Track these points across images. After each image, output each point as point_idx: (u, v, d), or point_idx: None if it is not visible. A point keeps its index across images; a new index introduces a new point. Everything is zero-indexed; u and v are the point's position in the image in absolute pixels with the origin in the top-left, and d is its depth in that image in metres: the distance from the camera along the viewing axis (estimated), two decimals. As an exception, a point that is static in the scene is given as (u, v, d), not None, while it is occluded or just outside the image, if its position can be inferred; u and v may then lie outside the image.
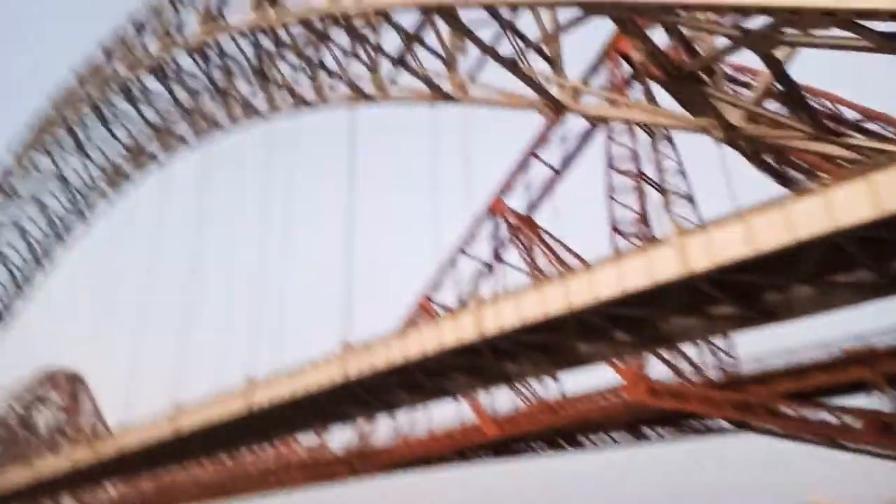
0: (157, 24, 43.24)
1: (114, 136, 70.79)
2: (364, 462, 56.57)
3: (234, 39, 37.66)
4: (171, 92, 59.71)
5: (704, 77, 19.41)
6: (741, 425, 39.41)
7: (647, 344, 22.81)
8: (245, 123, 51.84)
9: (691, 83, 19.28)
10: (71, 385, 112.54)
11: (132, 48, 52.40)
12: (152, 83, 63.13)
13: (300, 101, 38.03)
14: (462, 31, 23.98)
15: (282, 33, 34.14)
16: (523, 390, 49.18)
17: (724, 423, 40.83)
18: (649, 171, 41.33)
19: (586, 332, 22.63)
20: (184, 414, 34.43)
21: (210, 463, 73.62)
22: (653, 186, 41.12)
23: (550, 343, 24.19)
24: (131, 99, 64.90)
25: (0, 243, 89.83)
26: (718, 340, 42.40)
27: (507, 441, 48.79)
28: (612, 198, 40.17)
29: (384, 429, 58.25)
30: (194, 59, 46.46)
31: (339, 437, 60.94)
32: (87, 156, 76.42)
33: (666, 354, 37.63)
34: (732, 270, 17.44)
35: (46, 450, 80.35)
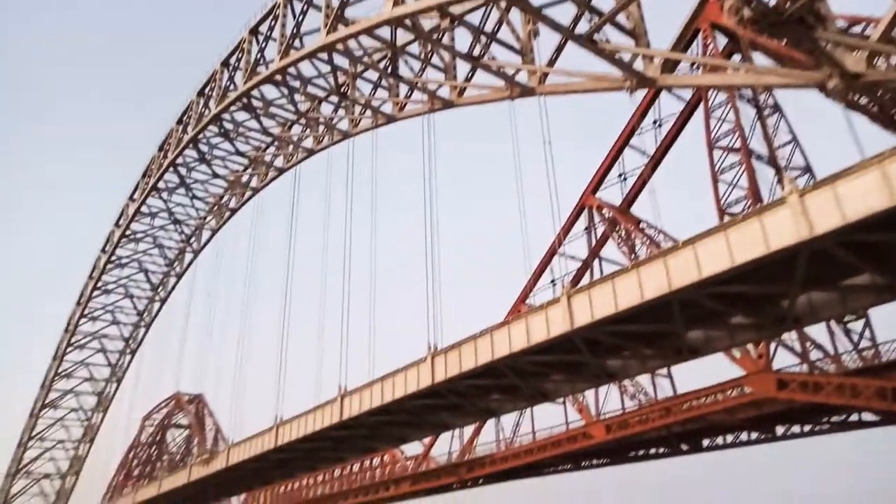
0: (243, 61, 44.39)
1: (214, 172, 74.59)
2: (470, 470, 55.14)
3: (312, 63, 37.87)
4: (259, 123, 61.81)
5: (813, 21, 16.51)
6: (890, 417, 34.59)
7: (770, 327, 19.73)
8: (328, 143, 52.69)
9: (799, 28, 16.43)
10: (195, 406, 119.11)
11: (222, 86, 54.39)
12: (243, 116, 65.83)
13: (381, 116, 37.89)
14: (533, 13, 22.19)
15: (354, 47, 33.77)
16: (631, 389, 46.09)
17: (868, 416, 36.07)
18: (757, 144, 37.60)
19: (696, 318, 19.97)
20: (283, 427, 34.37)
21: (319, 475, 74.97)
22: (762, 161, 37.26)
23: (655, 333, 21.64)
24: (226, 134, 67.86)
25: (125, 282, 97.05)
26: (852, 320, 37.83)
27: (618, 445, 45.76)
28: (717, 178, 36.57)
29: (490, 436, 57.06)
30: (278, 88, 47.70)
31: (447, 447, 60.36)
32: (193, 194, 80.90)
33: (792, 340, 33.65)
34: (868, 228, 14.44)
35: (175, 466, 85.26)
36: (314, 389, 31.73)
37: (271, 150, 66.50)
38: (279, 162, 63.98)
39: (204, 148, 68.51)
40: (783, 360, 33.54)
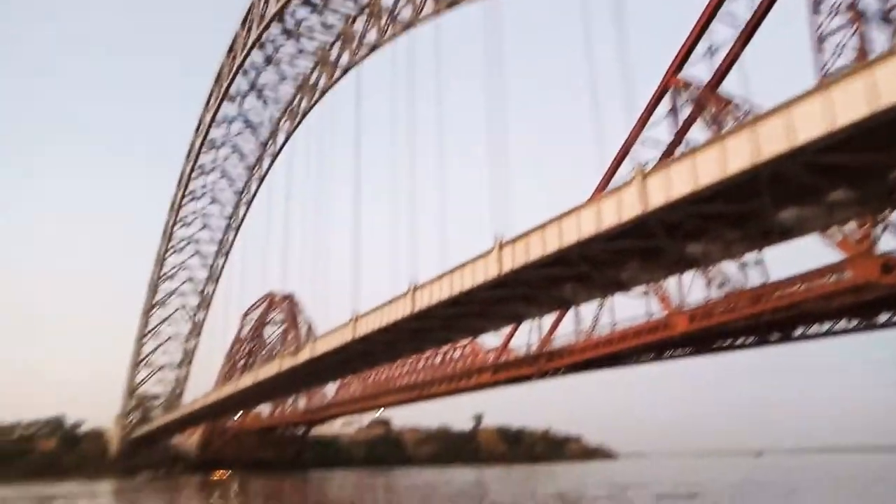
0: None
1: (281, 74, 73.99)
2: (549, 361, 55.63)
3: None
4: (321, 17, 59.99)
5: None
6: None
7: (874, 202, 17.47)
8: (390, 35, 50.57)
9: None
10: (288, 305, 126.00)
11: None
12: (304, 13, 64.02)
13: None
14: None
15: None
16: (718, 278, 43.95)
17: None
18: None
19: (787, 195, 17.92)
20: (360, 320, 35.21)
21: (405, 366, 78.29)
22: (873, 23, 32.42)
23: (741, 214, 19.74)
24: (289, 33, 66.48)
25: (211, 187, 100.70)
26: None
27: (703, 335, 44.35)
28: (821, 41, 32.28)
29: (570, 328, 56.92)
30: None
31: (526, 340, 60.97)
32: (264, 99, 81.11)
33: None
34: None
35: (271, 358, 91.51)
36: (392, 284, 31.78)
37: (336, 47, 65.05)
38: (345, 59, 62.58)
39: (269, 49, 67.87)
40: (889, 245, 30.61)
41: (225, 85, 74.42)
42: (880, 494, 34.99)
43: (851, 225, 30.62)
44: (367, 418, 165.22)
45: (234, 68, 70.09)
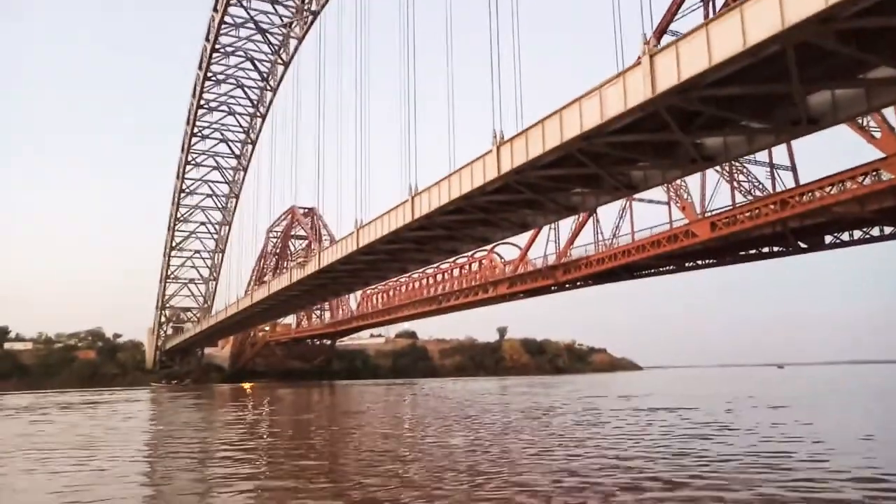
0: None
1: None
2: (567, 272, 54.42)
3: None
4: None
5: None
6: None
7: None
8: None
9: None
10: (311, 218, 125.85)
11: None
12: None
13: None
14: None
15: None
16: (746, 184, 41.38)
17: None
18: None
19: (818, 74, 15.55)
20: (362, 230, 33.96)
21: (423, 278, 78.04)
22: None
23: (764, 99, 17.41)
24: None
25: (226, 98, 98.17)
26: None
27: (726, 244, 42.31)
28: None
29: (590, 238, 55.22)
30: None
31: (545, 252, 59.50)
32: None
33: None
34: None
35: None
36: (401, 192, 30.07)
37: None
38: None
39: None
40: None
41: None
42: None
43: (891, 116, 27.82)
44: (393, 331, 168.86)
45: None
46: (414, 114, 34.97)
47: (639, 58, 16.42)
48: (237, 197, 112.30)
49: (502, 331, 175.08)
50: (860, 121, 29.52)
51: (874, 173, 28.65)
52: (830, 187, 30.81)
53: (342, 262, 38.77)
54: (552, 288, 59.99)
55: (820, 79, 15.67)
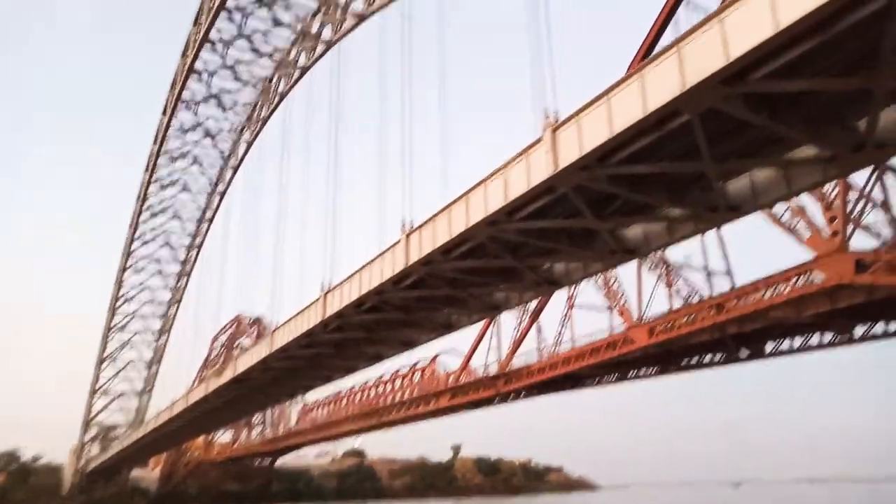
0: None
1: (235, 75, 70.63)
2: (508, 382, 51.73)
3: None
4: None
5: None
6: None
7: (846, 156, 14.00)
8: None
9: None
10: (256, 328, 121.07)
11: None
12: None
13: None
14: None
15: None
16: (685, 289, 40.54)
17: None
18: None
19: (731, 146, 14.51)
20: (277, 332, 31.26)
21: (358, 392, 74.03)
22: None
23: (678, 180, 16.28)
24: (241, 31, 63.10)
25: (172, 201, 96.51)
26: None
27: (666, 352, 40.76)
28: None
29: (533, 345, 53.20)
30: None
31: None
32: (222, 105, 77.71)
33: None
34: None
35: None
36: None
37: (294, 49, 62.09)
38: (302, 60, 59.64)
39: (220, 47, 64.46)
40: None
41: (178, 89, 70.90)
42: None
43: (822, 219, 27.44)
44: (341, 449, 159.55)
45: (185, 69, 66.62)
46: (333, 207, 33.40)
47: (543, 132, 15.16)
48: (178, 303, 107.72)
49: (456, 448, 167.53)
50: (789, 222, 29.15)
51: (807, 274, 27.92)
52: (765, 290, 29.92)
53: (260, 369, 35.57)
54: (495, 399, 56.95)
55: (734, 157, 14.57)
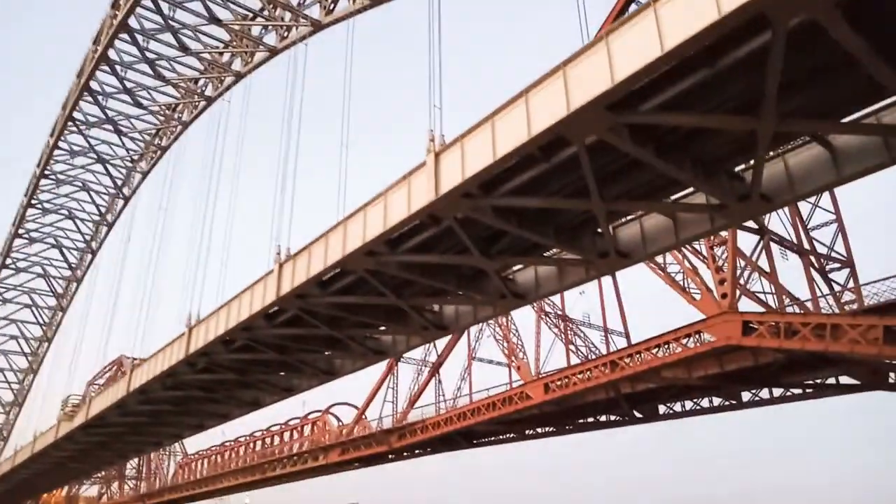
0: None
1: (136, 101, 66.88)
2: (401, 438, 49.24)
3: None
4: (170, 28, 54.67)
5: None
6: (873, 380, 29.02)
7: (736, 208, 13.55)
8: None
9: None
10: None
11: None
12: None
13: None
14: None
15: None
16: (584, 349, 40.25)
17: (848, 380, 30.45)
18: None
19: (628, 191, 13.79)
20: (137, 370, 27.90)
21: (242, 445, 69.06)
22: None
23: (569, 222, 15.44)
24: (145, 57, 60.08)
25: (53, 229, 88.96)
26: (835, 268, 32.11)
27: (563, 410, 39.99)
28: None
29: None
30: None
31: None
32: (119, 130, 73.13)
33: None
34: None
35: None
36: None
37: (201, 80, 59.43)
38: (209, 90, 57.05)
39: (122, 72, 60.92)
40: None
41: (68, 109, 66.14)
42: None
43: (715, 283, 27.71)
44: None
45: (79, 88, 62.31)
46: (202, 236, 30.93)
47: (427, 156, 13.94)
48: (50, 341, 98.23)
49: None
50: (683, 283, 29.34)
51: (697, 335, 28.01)
52: (657, 349, 29.81)
53: (119, 412, 31.70)
54: (389, 456, 54.13)
55: (624, 198, 13.84)
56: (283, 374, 26.15)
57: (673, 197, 14.51)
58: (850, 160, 12.64)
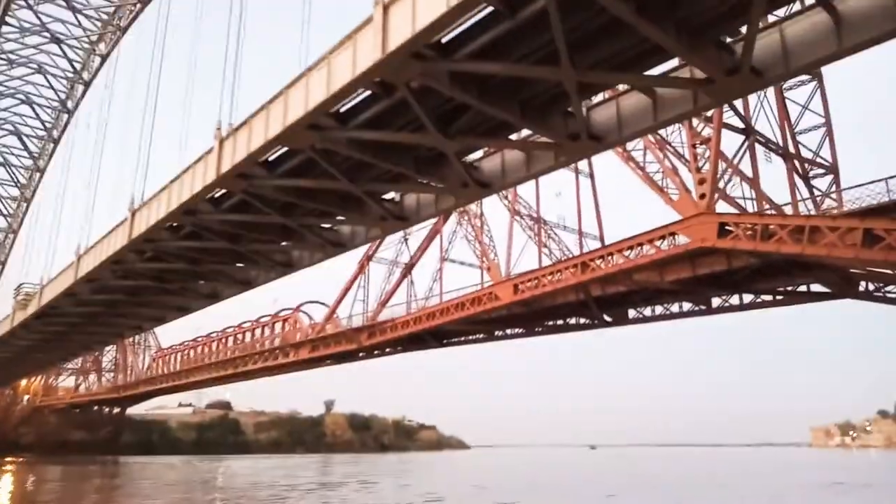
0: None
1: None
2: (371, 336, 49.21)
3: None
4: None
5: None
6: (844, 286, 28.63)
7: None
8: None
9: None
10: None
11: None
12: None
13: None
14: None
15: None
16: (557, 251, 39.46)
17: (819, 287, 30.10)
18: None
19: (610, 55, 12.15)
20: (83, 259, 26.49)
21: (222, 341, 69.25)
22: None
23: (539, 96, 13.87)
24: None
25: (9, 114, 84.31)
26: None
27: (531, 312, 39.73)
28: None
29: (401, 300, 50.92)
30: None
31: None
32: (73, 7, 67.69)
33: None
34: None
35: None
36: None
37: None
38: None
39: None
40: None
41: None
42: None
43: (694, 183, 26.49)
44: (205, 400, 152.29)
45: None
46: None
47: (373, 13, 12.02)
48: (15, 234, 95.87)
49: (329, 404, 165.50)
50: (661, 182, 28.10)
51: (671, 237, 27.10)
52: (629, 251, 28.95)
53: (71, 301, 30.55)
54: (360, 354, 54.42)
55: (599, 67, 12.20)
56: (239, 265, 24.89)
57: (653, 71, 12.88)
58: (854, 28, 11.03)
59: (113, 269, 25.23)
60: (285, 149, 16.09)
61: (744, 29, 11.57)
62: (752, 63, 11.70)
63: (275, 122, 14.50)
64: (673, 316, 36.86)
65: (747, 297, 32.91)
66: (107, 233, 24.00)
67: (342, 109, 14.34)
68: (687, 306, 35.97)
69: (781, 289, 31.15)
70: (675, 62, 13.29)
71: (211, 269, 24.98)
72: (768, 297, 32.22)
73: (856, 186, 24.47)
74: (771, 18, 12.50)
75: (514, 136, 15.77)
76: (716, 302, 34.58)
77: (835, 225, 21.10)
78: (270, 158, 16.73)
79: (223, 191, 18.78)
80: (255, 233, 21.48)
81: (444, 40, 11.85)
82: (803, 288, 30.84)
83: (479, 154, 17.40)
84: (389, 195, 19.66)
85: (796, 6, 12.32)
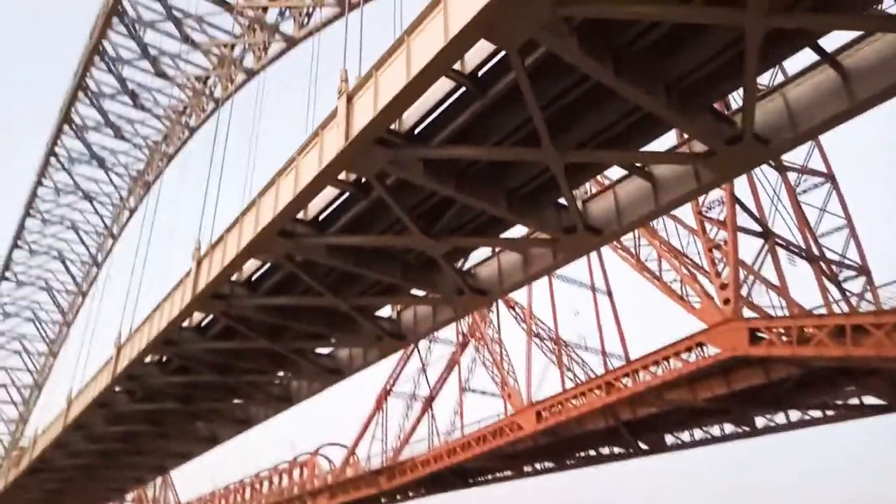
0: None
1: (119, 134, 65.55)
2: (391, 479, 45.58)
3: None
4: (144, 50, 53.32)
5: None
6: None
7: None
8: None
9: None
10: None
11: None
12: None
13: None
14: None
15: None
16: (582, 375, 37.01)
17: (872, 399, 27.10)
18: None
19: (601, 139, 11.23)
20: (73, 404, 25.01)
21: (240, 492, 65.37)
22: None
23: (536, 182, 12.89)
24: (124, 86, 58.84)
25: (42, 271, 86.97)
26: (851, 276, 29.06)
27: (559, 442, 36.50)
28: None
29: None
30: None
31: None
32: (105, 167, 71.69)
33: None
34: None
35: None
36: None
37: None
38: (192, 121, 55.59)
39: (107, 105, 59.57)
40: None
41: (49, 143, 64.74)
42: None
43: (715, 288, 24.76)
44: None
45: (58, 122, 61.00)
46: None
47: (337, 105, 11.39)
48: (40, 388, 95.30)
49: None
50: (680, 291, 26.43)
51: (699, 347, 24.92)
52: (655, 366, 26.64)
53: (64, 452, 28.69)
54: (381, 500, 50.33)
55: (585, 146, 11.21)
56: (236, 402, 23.21)
57: (646, 149, 11.87)
58: (864, 82, 9.99)
59: (102, 412, 23.67)
60: (266, 266, 15.12)
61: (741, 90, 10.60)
62: (755, 130, 10.61)
63: (247, 233, 13.59)
64: (714, 440, 33.53)
65: (794, 415, 29.84)
66: (94, 374, 22.74)
67: (321, 217, 13.51)
68: (729, 428, 32.78)
69: (830, 402, 28.21)
70: (673, 139, 12.34)
71: (205, 407, 23.31)
72: (817, 414, 29.13)
73: (893, 283, 22.69)
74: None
75: (507, 235, 14.60)
76: (760, 422, 31.46)
77: (879, 322, 18.98)
78: (253, 278, 15.75)
79: (209, 317, 17.67)
80: (245, 362, 20.04)
81: (416, 131, 11.11)
82: (854, 400, 27.91)
83: (473, 262, 16.24)
84: (385, 312, 18.35)
85: (796, 64, 11.40)
